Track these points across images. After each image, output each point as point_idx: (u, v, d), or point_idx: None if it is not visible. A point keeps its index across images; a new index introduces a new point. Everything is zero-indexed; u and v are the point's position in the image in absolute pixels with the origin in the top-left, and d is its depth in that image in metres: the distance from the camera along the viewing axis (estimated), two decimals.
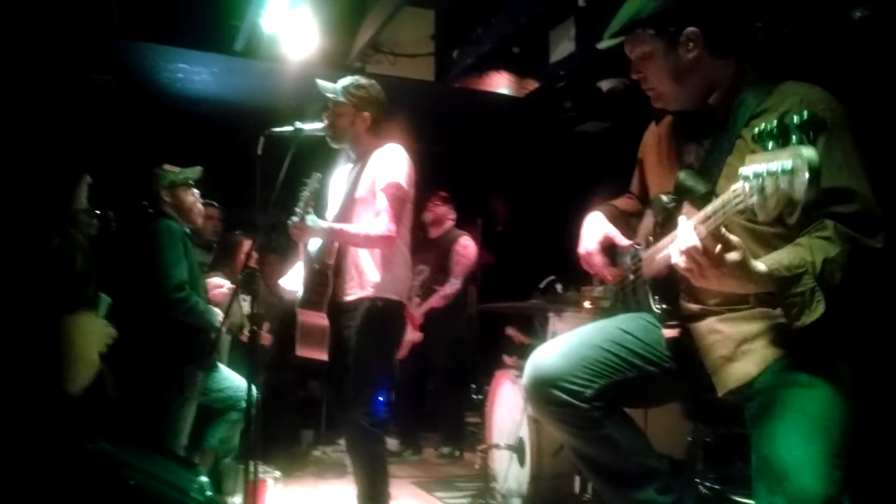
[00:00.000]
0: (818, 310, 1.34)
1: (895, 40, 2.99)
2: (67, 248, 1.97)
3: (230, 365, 3.60)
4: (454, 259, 4.79)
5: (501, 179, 6.39)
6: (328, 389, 3.96)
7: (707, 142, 1.66)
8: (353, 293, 2.69)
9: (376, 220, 2.65)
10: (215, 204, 4.21)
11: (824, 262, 1.36)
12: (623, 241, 1.85)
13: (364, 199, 2.71)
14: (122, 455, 2.12)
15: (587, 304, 3.33)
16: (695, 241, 1.32)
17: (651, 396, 1.85)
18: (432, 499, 3.77)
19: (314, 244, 2.76)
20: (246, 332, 3.69)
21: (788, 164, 1.12)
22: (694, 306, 1.63)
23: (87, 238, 2.58)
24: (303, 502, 3.64)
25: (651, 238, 1.74)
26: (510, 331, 4.15)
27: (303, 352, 2.78)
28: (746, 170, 1.18)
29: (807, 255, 1.37)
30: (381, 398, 2.69)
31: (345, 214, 2.74)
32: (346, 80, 2.82)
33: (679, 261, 1.37)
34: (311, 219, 2.61)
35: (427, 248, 4.85)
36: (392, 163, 2.72)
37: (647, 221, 1.86)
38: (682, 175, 1.56)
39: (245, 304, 3.73)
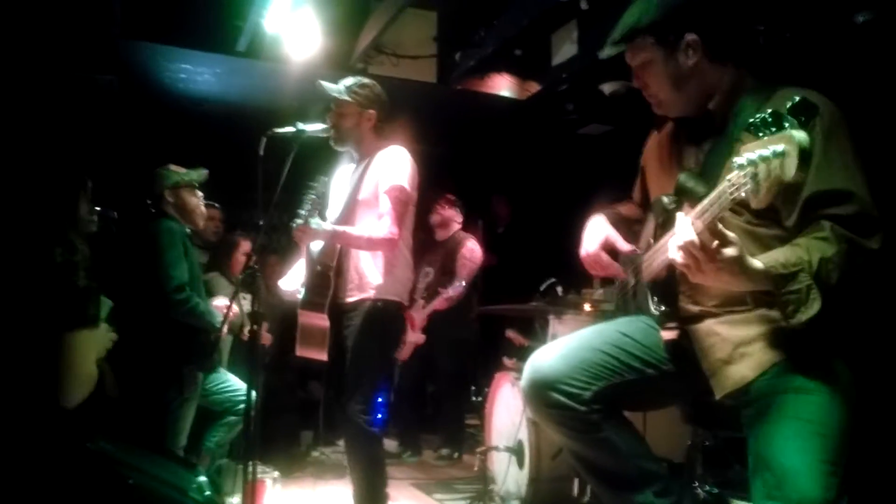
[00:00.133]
0: (814, 307, 1.34)
1: None
2: (70, 263, 1.96)
3: (230, 364, 3.60)
4: (460, 262, 4.77)
5: (503, 181, 6.39)
6: (327, 390, 3.96)
7: (707, 146, 1.67)
8: (353, 294, 2.70)
9: (379, 222, 2.65)
10: (216, 205, 4.21)
11: (821, 260, 1.37)
12: (624, 245, 1.85)
13: (367, 201, 2.71)
14: (121, 455, 2.12)
15: (587, 307, 3.34)
16: (692, 236, 1.32)
17: (650, 399, 1.85)
18: (431, 500, 3.76)
19: (316, 246, 2.77)
20: (246, 331, 3.69)
21: (780, 147, 1.14)
22: (693, 307, 1.63)
23: (87, 237, 2.57)
24: (301, 503, 3.64)
25: (651, 241, 1.74)
26: (510, 333, 4.15)
27: (303, 352, 2.77)
28: (740, 158, 1.20)
29: (804, 253, 1.38)
30: (379, 399, 2.69)
31: (347, 216, 2.74)
32: (349, 80, 2.82)
33: (676, 256, 1.37)
34: (315, 221, 2.61)
35: (433, 251, 4.84)
36: (395, 165, 2.72)
37: (649, 228, 1.86)
38: (683, 177, 1.56)
39: (245, 302, 3.73)
